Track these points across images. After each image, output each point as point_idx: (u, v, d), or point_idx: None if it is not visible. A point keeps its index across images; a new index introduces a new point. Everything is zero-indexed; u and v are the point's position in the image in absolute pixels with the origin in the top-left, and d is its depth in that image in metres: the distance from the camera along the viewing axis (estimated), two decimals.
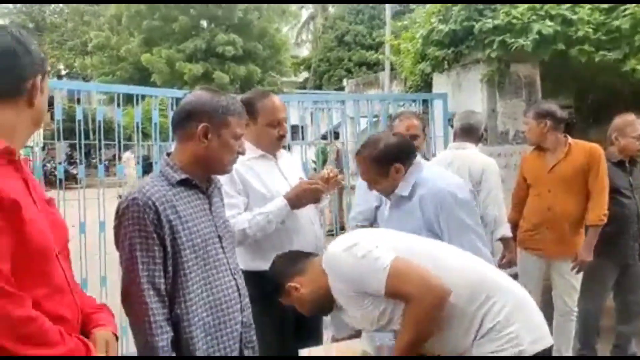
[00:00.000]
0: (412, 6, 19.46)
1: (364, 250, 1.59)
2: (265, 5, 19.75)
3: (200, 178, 1.66)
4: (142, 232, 1.50)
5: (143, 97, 4.14)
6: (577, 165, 3.13)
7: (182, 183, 1.61)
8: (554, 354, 3.29)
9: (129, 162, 8.74)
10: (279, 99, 2.32)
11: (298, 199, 2.15)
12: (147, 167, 4.97)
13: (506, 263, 3.25)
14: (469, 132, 3.30)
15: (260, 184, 2.20)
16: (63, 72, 28.25)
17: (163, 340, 1.48)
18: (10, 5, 27.03)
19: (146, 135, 4.92)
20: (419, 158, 2.16)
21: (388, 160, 2.01)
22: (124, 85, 6.05)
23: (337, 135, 6.03)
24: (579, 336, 3.43)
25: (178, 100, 3.92)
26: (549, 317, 3.24)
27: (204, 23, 19.93)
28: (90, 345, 1.24)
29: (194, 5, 18.73)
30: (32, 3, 25.49)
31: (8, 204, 1.09)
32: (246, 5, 18.77)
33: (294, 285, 1.75)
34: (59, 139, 3.66)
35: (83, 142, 3.60)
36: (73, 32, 27.05)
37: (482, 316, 1.57)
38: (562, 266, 3.21)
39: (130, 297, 1.51)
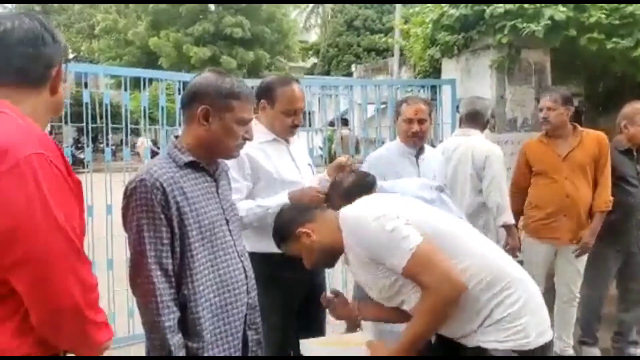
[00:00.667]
0: None
1: (393, 224, 1.55)
2: None
3: (206, 161, 1.66)
4: (149, 212, 1.50)
5: (150, 81, 4.12)
6: (590, 153, 3.18)
7: (189, 165, 1.61)
8: (555, 340, 3.31)
9: (143, 146, 8.75)
10: (300, 88, 2.30)
11: (301, 202, 2.14)
12: (154, 152, 4.99)
13: (509, 250, 3.25)
14: (475, 118, 3.27)
15: (271, 166, 2.21)
16: (70, 56, 28.28)
17: (170, 320, 1.50)
18: None
19: (153, 120, 4.93)
20: (379, 185, 2.21)
21: (351, 198, 1.98)
22: (131, 69, 6.05)
23: (345, 122, 6.02)
24: (580, 323, 3.45)
25: (185, 84, 3.92)
26: (549, 304, 3.28)
27: (212, 6, 19.80)
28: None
29: None
30: (36, 3, 25.34)
31: (76, 181, 1.18)
32: None
33: (305, 231, 1.72)
34: (66, 123, 3.66)
35: (90, 126, 3.61)
36: (80, 14, 26.97)
37: (493, 305, 1.57)
38: (571, 252, 3.23)
39: (138, 277, 1.52)
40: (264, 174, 2.19)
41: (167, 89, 4.44)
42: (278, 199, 2.15)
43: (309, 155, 2.71)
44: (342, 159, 2.34)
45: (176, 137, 1.69)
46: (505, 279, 1.59)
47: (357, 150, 4.99)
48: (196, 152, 1.62)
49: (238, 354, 1.66)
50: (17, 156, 1.04)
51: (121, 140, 4.61)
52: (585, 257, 3.27)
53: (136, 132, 9.68)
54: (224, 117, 1.60)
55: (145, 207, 1.50)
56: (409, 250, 1.51)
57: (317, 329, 2.39)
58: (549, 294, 3.25)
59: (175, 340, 1.50)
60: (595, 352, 3.39)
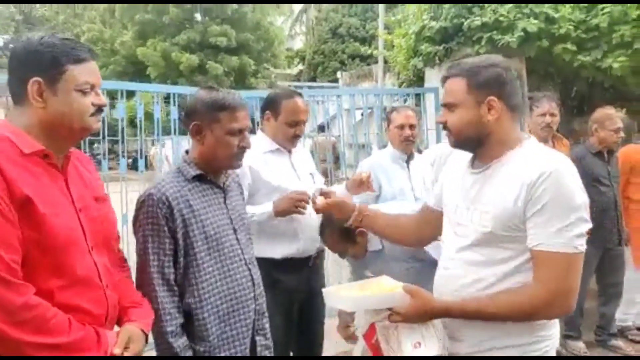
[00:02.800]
0: None
1: (584, 215, 1.33)
2: None
3: (214, 173, 1.75)
4: (154, 225, 1.60)
5: (131, 92, 4.15)
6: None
7: (197, 178, 1.70)
8: None
9: (156, 156, 8.76)
10: (303, 101, 2.43)
11: (282, 209, 2.21)
12: (134, 162, 4.99)
13: None
14: None
15: (270, 176, 2.31)
16: None
17: (172, 325, 1.58)
18: None
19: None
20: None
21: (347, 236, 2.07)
22: (126, 82, 6.12)
23: (321, 129, 6.13)
24: (564, 318, 3.65)
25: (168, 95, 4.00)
26: None
27: (198, 16, 19.94)
28: (105, 338, 1.28)
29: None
30: (30, 3, 25.19)
31: (19, 198, 1.19)
32: None
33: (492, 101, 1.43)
34: None
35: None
36: (64, 24, 26.84)
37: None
38: None
39: (142, 286, 1.59)
40: (263, 184, 2.29)
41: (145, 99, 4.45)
42: (263, 207, 2.22)
43: (313, 164, 2.78)
44: (363, 175, 2.45)
45: (187, 152, 1.79)
46: None
47: (336, 158, 5.16)
48: (202, 165, 1.72)
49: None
50: None
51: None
52: None
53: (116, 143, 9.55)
54: (213, 128, 1.68)
55: (150, 220, 1.60)
56: (574, 247, 1.31)
57: (317, 322, 2.53)
58: None
59: (180, 343, 1.58)
60: (580, 345, 3.58)
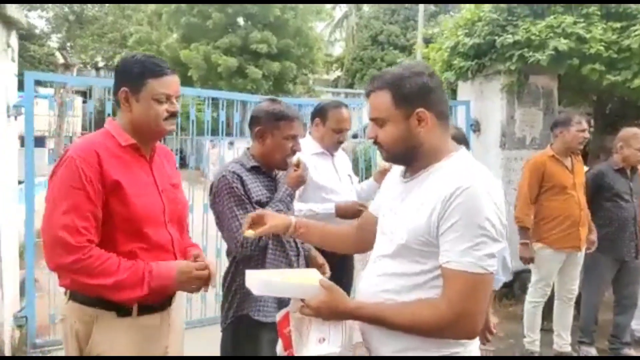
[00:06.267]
0: (448, 6, 19.62)
1: (493, 235, 1.26)
2: (300, 5, 20.16)
3: (268, 168, 2.17)
4: (235, 195, 2.00)
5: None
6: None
7: (253, 169, 2.12)
8: (554, 337, 3.70)
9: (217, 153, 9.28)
10: (348, 112, 2.84)
11: (345, 213, 2.59)
12: (182, 160, 5.38)
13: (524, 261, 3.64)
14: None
15: (316, 175, 2.69)
16: (100, 64, 29.17)
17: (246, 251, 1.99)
18: None
19: (182, 129, 5.39)
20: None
21: None
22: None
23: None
24: (579, 324, 3.82)
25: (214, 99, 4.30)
26: (550, 305, 3.69)
27: (240, 20, 20.48)
28: (156, 273, 1.60)
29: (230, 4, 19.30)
30: (83, 3, 26.40)
31: (110, 182, 1.58)
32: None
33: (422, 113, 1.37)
34: (90, 130, 4.07)
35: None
36: (113, 25, 27.96)
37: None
38: (578, 256, 3.63)
39: (231, 239, 2.01)
40: (310, 181, 2.60)
41: (197, 103, 4.88)
42: (326, 207, 2.61)
43: (350, 167, 3.13)
44: (386, 166, 2.70)
45: (247, 148, 2.22)
46: None
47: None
48: (259, 161, 2.14)
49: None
50: (65, 156, 1.60)
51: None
52: (582, 261, 3.65)
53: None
54: (274, 134, 2.10)
55: (232, 192, 2.00)
56: (481, 267, 1.24)
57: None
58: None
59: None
60: (592, 351, 3.74)
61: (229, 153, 4.98)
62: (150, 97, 1.65)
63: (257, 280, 1.45)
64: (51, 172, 1.64)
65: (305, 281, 1.44)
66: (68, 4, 27.48)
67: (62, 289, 1.70)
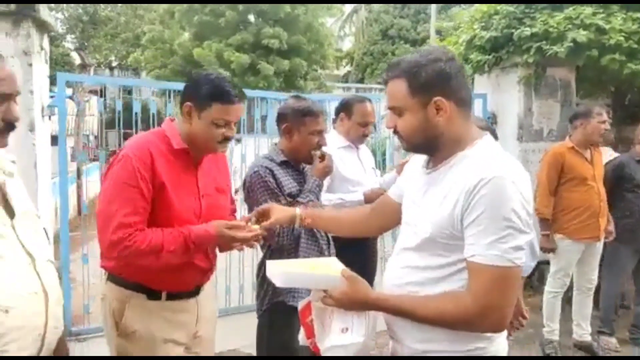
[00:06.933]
0: None
1: (519, 227, 1.22)
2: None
3: (296, 162, 2.30)
4: (269, 189, 2.14)
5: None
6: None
7: (283, 163, 2.25)
8: (574, 327, 3.75)
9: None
10: (372, 106, 2.94)
11: (372, 201, 2.67)
12: None
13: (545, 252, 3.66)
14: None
15: (343, 168, 2.81)
16: (114, 64, 29.46)
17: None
18: None
19: None
20: None
21: None
22: (162, 82, 6.60)
23: None
24: (600, 314, 3.86)
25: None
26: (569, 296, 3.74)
27: (252, 17, 20.56)
28: (195, 239, 1.70)
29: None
30: (96, 3, 26.63)
31: (158, 182, 1.69)
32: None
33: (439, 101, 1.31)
34: (107, 128, 4.18)
35: (133, 130, 3.85)
36: (126, 25, 28.19)
37: None
38: (597, 246, 3.66)
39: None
40: (337, 173, 2.75)
41: None
42: (354, 196, 2.72)
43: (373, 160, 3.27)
44: (408, 159, 2.85)
45: (276, 144, 2.36)
46: None
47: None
48: (287, 155, 2.28)
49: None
50: (119, 154, 1.70)
51: None
52: (601, 251, 3.69)
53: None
54: (300, 130, 2.23)
55: (265, 185, 2.14)
56: (508, 260, 1.21)
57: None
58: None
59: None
60: (612, 341, 3.78)
61: (237, 150, 5.04)
62: (211, 119, 1.72)
63: (279, 272, 1.44)
64: (106, 169, 1.74)
65: (327, 271, 1.44)
66: (82, 4, 27.77)
67: (95, 281, 1.82)
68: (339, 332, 1.36)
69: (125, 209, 1.63)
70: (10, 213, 1.26)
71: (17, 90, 1.27)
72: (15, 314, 1.17)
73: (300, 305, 1.52)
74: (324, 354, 1.39)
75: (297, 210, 1.75)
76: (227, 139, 1.78)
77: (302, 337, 1.52)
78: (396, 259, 1.45)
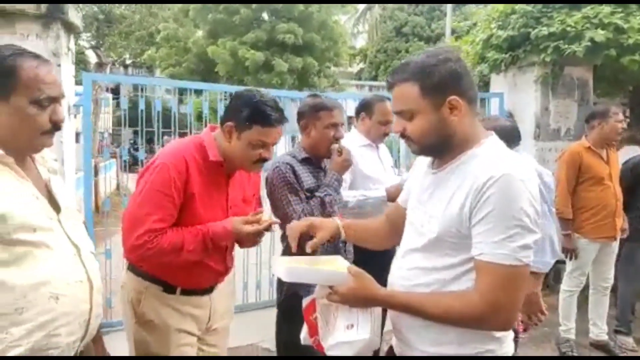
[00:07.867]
0: None
1: (527, 226, 1.22)
2: None
3: (316, 158, 2.38)
4: (289, 184, 2.22)
5: (198, 90, 4.54)
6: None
7: (304, 160, 2.34)
8: (590, 327, 3.76)
9: None
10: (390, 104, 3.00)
11: (395, 198, 2.71)
12: None
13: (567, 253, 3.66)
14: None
15: (364, 166, 2.87)
16: (128, 62, 29.69)
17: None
18: None
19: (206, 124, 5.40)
20: None
21: None
22: (172, 80, 6.64)
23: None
24: (616, 314, 3.86)
25: (228, 94, 4.40)
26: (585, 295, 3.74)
27: (265, 15, 20.62)
28: (213, 235, 1.76)
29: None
30: (111, 3, 26.87)
31: (190, 192, 1.75)
32: None
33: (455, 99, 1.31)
34: (124, 126, 4.15)
35: (145, 129, 3.96)
36: (140, 23, 28.40)
37: None
38: (613, 245, 3.68)
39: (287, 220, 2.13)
40: (359, 171, 2.83)
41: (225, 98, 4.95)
42: (377, 193, 2.77)
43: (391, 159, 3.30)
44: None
45: (298, 142, 2.45)
46: None
47: None
48: (308, 152, 2.37)
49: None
50: (156, 161, 1.75)
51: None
52: (617, 250, 3.70)
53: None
54: (316, 125, 2.33)
55: (286, 180, 2.22)
56: (515, 259, 1.21)
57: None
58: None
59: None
60: (629, 340, 3.78)
61: None
62: (250, 140, 1.78)
63: (285, 267, 1.41)
64: (139, 174, 1.80)
65: (332, 268, 1.43)
66: (97, 4, 28.01)
67: (117, 276, 1.89)
68: (344, 329, 1.36)
69: (155, 215, 1.69)
70: (56, 208, 1.34)
71: (62, 93, 1.33)
72: (65, 301, 1.26)
73: (305, 302, 1.51)
74: (328, 351, 1.38)
75: (338, 221, 1.65)
76: (263, 160, 1.83)
77: (304, 336, 1.51)
78: (402, 260, 1.44)
